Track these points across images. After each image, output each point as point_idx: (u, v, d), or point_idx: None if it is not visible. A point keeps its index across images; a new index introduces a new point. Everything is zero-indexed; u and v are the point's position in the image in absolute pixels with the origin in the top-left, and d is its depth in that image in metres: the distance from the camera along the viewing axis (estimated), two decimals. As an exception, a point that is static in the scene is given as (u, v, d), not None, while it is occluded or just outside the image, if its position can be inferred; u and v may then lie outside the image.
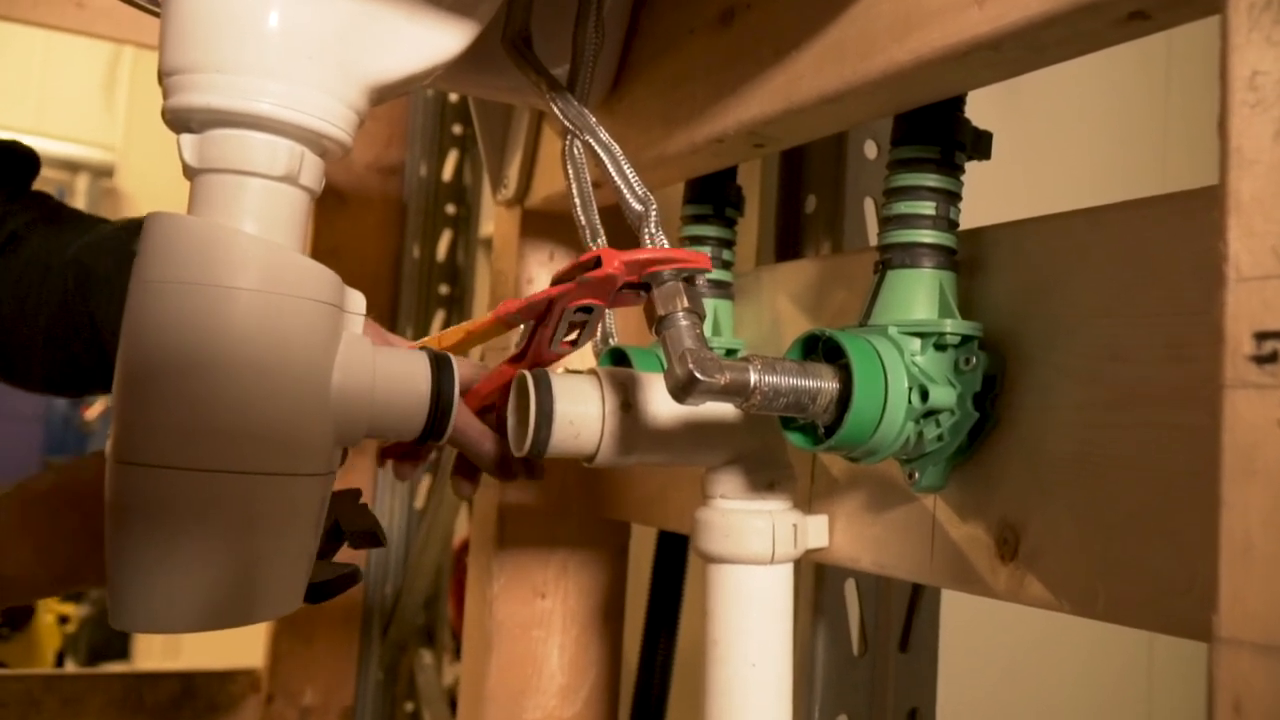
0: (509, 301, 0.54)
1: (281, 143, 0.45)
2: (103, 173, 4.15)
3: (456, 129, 1.62)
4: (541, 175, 0.83)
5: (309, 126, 0.45)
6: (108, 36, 1.39)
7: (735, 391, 0.46)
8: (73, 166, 4.12)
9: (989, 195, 0.68)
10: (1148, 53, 1.37)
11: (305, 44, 0.45)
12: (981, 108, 0.54)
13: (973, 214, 0.54)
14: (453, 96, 1.58)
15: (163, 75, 0.45)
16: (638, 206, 0.52)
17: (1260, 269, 0.32)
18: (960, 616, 0.79)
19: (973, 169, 0.54)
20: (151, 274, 0.43)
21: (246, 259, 0.44)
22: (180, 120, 0.45)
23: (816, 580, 0.72)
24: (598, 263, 0.48)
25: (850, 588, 0.73)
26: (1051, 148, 1.28)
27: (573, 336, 0.56)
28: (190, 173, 0.45)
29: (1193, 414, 0.42)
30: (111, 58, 3.81)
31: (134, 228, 0.66)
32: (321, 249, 1.50)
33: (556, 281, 0.51)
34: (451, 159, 1.62)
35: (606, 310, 0.58)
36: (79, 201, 3.70)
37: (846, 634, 0.72)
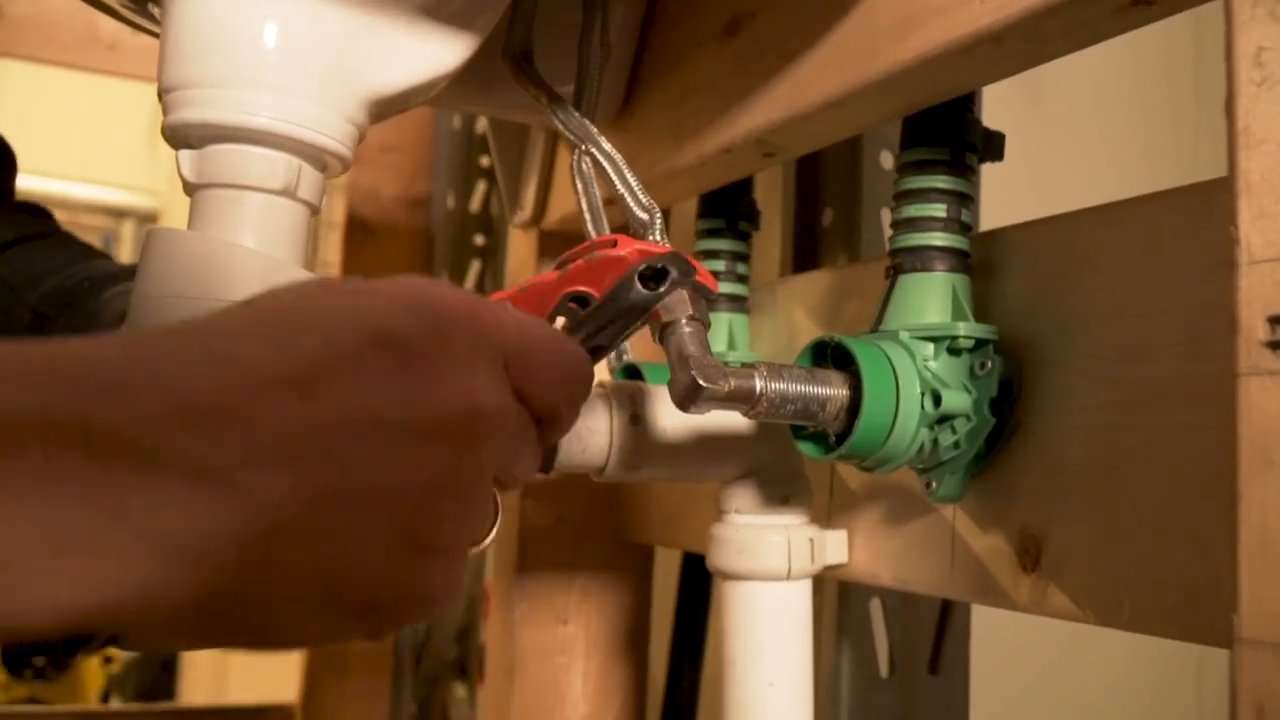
0: (497, 295, 0.53)
1: (279, 156, 0.45)
2: (148, 219, 4.20)
3: (484, 161, 1.62)
4: (557, 196, 0.83)
5: (306, 140, 0.45)
6: (138, 76, 1.41)
7: (740, 398, 0.45)
8: (118, 213, 4.18)
9: (1018, 197, 0.67)
10: (1174, 46, 1.35)
11: (302, 57, 0.45)
12: (1003, 109, 0.53)
13: (996, 216, 0.52)
14: (480, 128, 1.59)
15: (161, 92, 0.45)
16: (642, 215, 0.52)
17: (1273, 250, 0.31)
18: (992, 636, 0.77)
19: (997, 170, 0.53)
20: (151, 289, 0.43)
21: (245, 273, 0.43)
22: (179, 136, 0.45)
23: (840, 600, 0.71)
24: (614, 244, 0.47)
25: (876, 607, 0.71)
26: (1078, 148, 1.26)
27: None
28: (190, 188, 0.45)
29: (1216, 414, 0.40)
30: (154, 103, 3.88)
31: (100, 279, 0.61)
32: (350, 281, 1.51)
33: (563, 263, 0.50)
34: (480, 190, 1.62)
35: None
36: (125, 248, 3.76)
37: (873, 655, 0.70)
